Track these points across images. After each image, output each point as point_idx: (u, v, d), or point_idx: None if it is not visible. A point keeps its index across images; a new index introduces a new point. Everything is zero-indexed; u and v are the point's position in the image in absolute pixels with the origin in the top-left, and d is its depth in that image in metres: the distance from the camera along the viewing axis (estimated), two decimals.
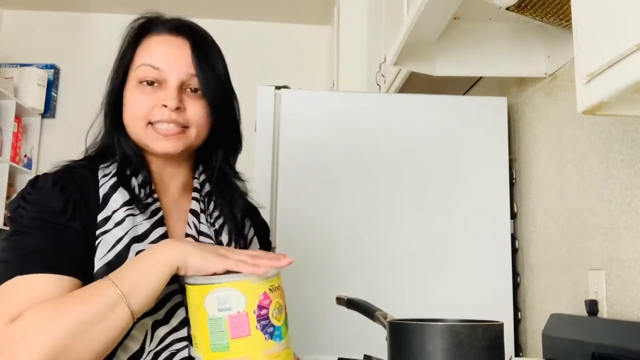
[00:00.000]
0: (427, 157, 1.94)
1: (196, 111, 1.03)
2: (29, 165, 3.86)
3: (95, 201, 0.98)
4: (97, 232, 0.95)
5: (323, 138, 1.93)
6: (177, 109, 1.00)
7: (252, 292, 0.88)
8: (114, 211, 0.97)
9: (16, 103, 3.65)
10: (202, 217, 1.07)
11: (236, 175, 1.15)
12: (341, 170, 1.92)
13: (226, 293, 0.88)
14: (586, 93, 0.87)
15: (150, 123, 1.01)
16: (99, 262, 0.93)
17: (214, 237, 1.07)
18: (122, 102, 1.04)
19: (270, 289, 0.90)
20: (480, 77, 2.21)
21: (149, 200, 1.02)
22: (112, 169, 1.02)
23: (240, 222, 1.13)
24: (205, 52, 1.05)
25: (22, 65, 3.93)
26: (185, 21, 1.07)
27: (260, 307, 0.88)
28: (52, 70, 4.00)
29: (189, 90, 1.03)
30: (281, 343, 0.90)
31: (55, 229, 0.93)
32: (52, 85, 3.98)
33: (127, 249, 0.95)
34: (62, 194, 0.95)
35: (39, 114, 3.93)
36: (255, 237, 1.17)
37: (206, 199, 1.10)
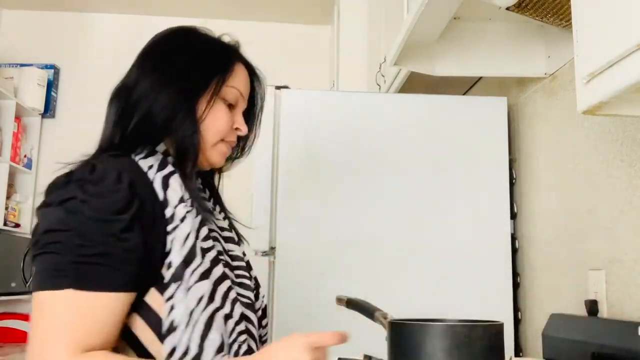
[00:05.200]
0: (427, 157, 1.94)
1: None
2: (29, 165, 3.86)
3: (154, 196, 0.93)
4: (168, 228, 0.92)
5: (323, 138, 1.93)
6: None
7: None
8: (175, 206, 0.94)
9: (16, 103, 3.64)
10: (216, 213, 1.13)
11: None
12: (341, 170, 1.92)
13: None
14: (586, 93, 0.87)
15: (222, 140, 1.08)
16: (176, 259, 0.92)
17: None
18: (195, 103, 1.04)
19: None
20: (480, 77, 2.21)
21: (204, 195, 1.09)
22: (153, 161, 0.97)
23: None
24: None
25: (22, 65, 3.92)
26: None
27: None
28: (52, 70, 4.00)
29: None
30: None
31: (117, 234, 0.88)
32: (52, 85, 3.98)
33: (194, 244, 0.94)
34: (128, 189, 0.90)
35: (39, 114, 3.92)
36: None
37: (211, 201, 1.16)
